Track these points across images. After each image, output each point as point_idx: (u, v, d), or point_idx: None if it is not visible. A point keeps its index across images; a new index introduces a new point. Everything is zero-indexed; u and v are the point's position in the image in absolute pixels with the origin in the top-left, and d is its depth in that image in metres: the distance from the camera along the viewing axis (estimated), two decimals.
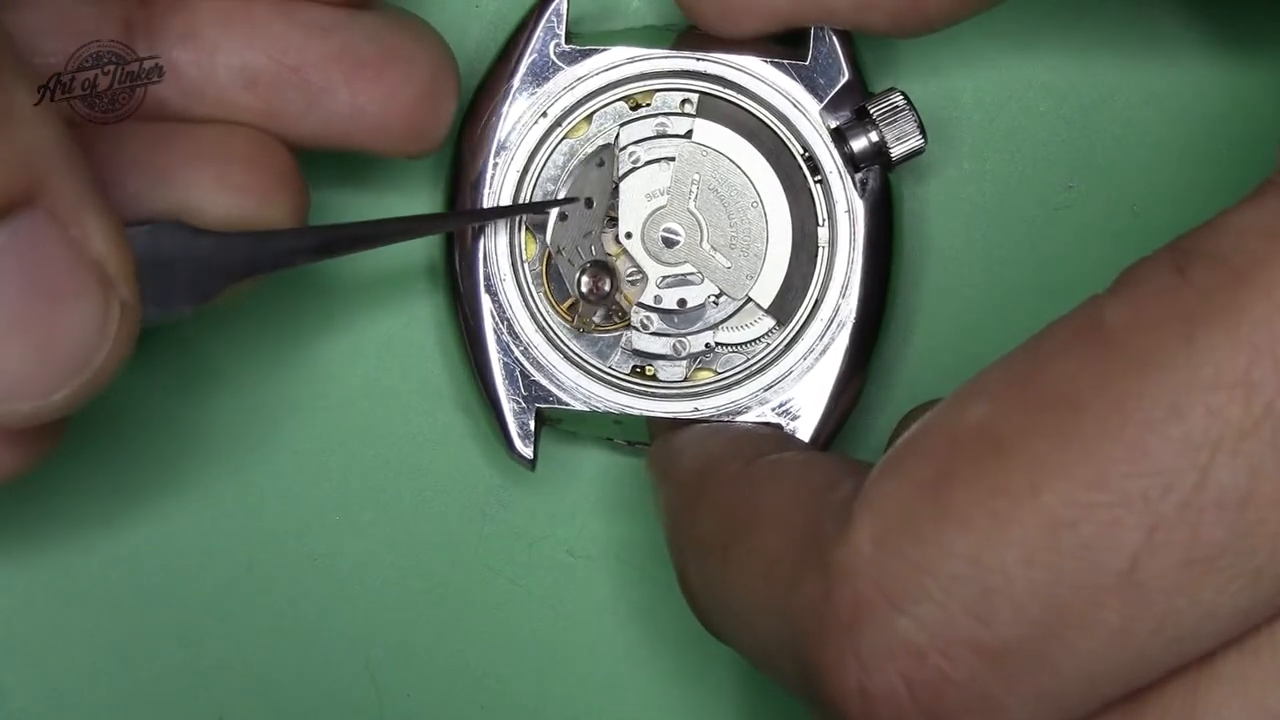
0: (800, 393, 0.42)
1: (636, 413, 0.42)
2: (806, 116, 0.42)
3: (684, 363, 0.43)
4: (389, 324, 0.46)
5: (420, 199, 0.45)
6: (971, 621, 0.31)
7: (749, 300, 0.43)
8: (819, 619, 0.33)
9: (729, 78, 0.42)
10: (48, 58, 0.38)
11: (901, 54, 0.45)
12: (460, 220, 0.42)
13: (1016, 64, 0.45)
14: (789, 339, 0.42)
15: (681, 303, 0.43)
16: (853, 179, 0.42)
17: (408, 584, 0.46)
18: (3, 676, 0.46)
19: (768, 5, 0.41)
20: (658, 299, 0.43)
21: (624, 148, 0.43)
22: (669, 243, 0.43)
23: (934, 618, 0.31)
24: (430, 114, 0.41)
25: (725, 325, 0.43)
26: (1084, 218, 0.45)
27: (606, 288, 0.42)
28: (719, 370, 0.43)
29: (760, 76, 0.42)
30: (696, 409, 0.42)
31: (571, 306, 0.43)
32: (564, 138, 0.43)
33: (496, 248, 0.42)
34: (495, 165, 0.42)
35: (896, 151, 0.42)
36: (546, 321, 0.43)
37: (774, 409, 0.42)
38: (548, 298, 0.43)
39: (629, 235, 0.43)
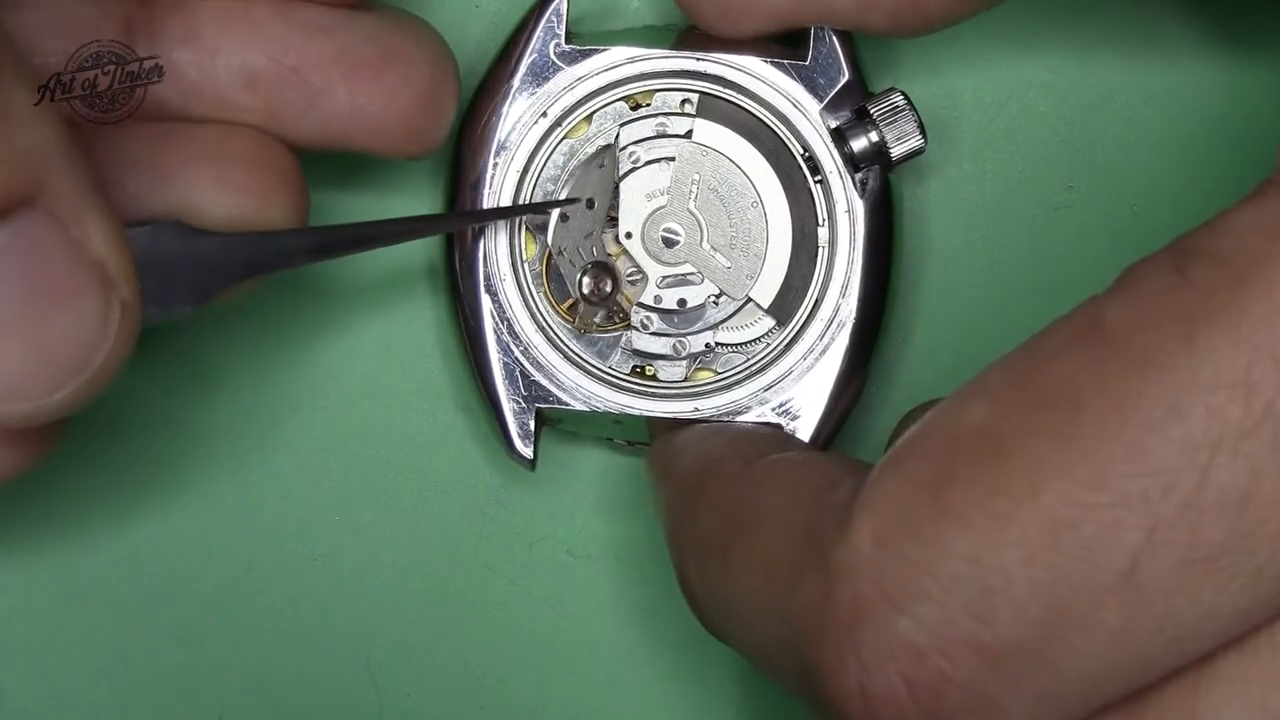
0: (800, 393, 0.42)
1: (636, 413, 0.42)
2: (806, 116, 0.42)
3: (684, 363, 0.43)
4: (389, 324, 0.46)
5: (420, 199, 0.45)
6: (972, 621, 0.31)
7: (749, 300, 0.43)
8: (819, 619, 0.33)
9: (729, 78, 0.42)
10: (48, 58, 0.38)
11: (901, 54, 0.45)
12: (460, 221, 0.42)
13: (1016, 64, 0.45)
14: (789, 339, 0.42)
15: (681, 303, 0.43)
16: (853, 179, 0.42)
17: (408, 584, 0.46)
18: (3, 676, 0.46)
19: (768, 5, 0.41)
20: (658, 299, 0.43)
21: (624, 148, 0.43)
22: (669, 243, 0.43)
23: (934, 618, 0.31)
24: (430, 115, 0.41)
25: (725, 325, 0.43)
26: (1084, 218, 0.45)
27: (608, 289, 0.42)
28: (719, 370, 0.43)
29: (760, 76, 0.42)
30: (696, 409, 0.42)
31: (571, 307, 0.43)
32: (564, 138, 0.43)
33: (496, 248, 0.42)
34: (495, 165, 0.42)
35: (896, 151, 0.42)
36: (546, 321, 0.43)
37: (774, 409, 0.42)
38: (548, 298, 0.43)
39: (629, 235, 0.43)
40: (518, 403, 0.42)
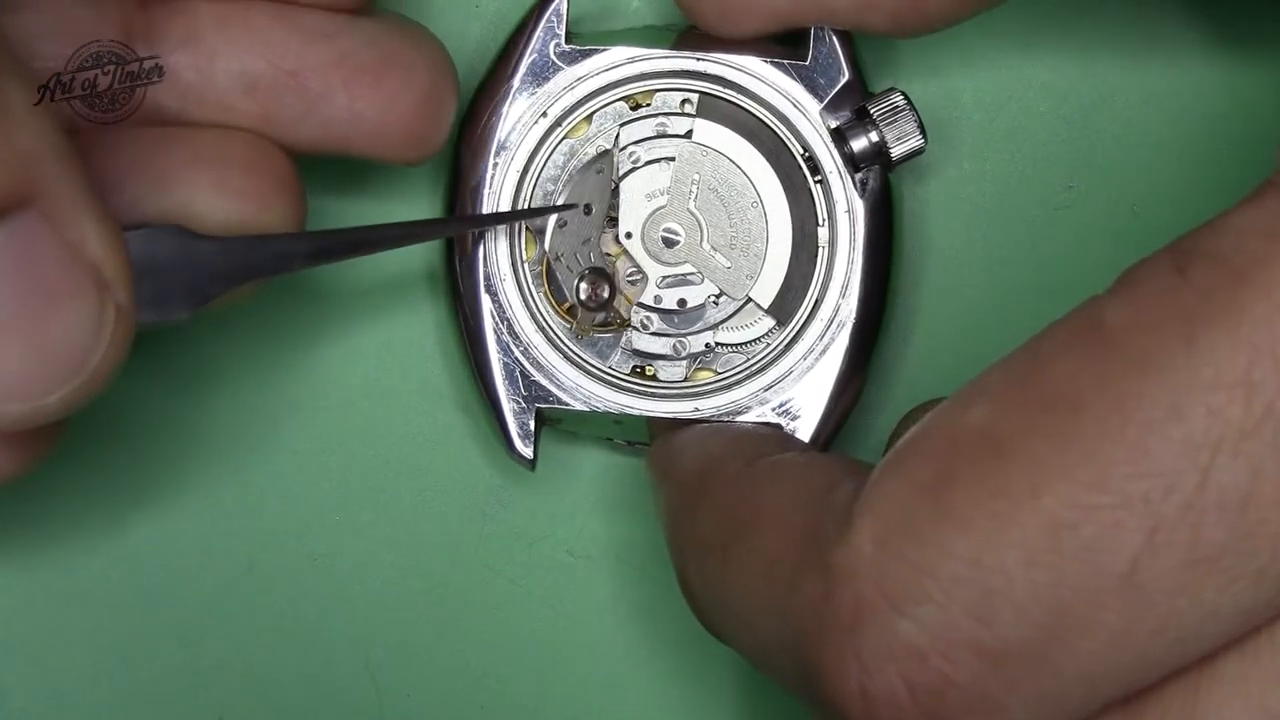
0: (800, 393, 0.42)
1: (636, 413, 0.42)
2: (806, 116, 0.42)
3: (684, 363, 0.43)
4: (389, 325, 0.46)
5: (420, 199, 0.45)
6: (972, 623, 0.31)
7: (749, 300, 0.43)
8: (819, 620, 0.33)
9: (729, 78, 0.42)
10: (46, 61, 0.38)
11: (901, 54, 0.45)
12: (459, 226, 0.42)
13: (1016, 64, 0.45)
14: (789, 339, 0.42)
15: (681, 303, 0.43)
16: (853, 179, 0.42)
17: (408, 584, 0.46)
18: (3, 676, 0.46)
19: (768, 5, 0.41)
20: (658, 299, 0.43)
21: (624, 148, 0.43)
22: (669, 243, 0.43)
23: (935, 619, 0.31)
24: (429, 120, 0.40)
25: (725, 325, 0.43)
26: (1084, 218, 0.45)
27: (605, 294, 0.42)
28: (719, 370, 0.43)
29: (760, 76, 0.42)
30: (696, 409, 0.42)
31: (571, 309, 0.43)
32: (564, 138, 0.43)
33: (497, 248, 0.42)
34: (495, 165, 0.42)
35: (896, 151, 0.42)
36: (546, 322, 0.43)
37: (774, 409, 0.42)
38: (548, 298, 0.43)
39: (629, 235, 0.43)
40: (518, 403, 0.42)
